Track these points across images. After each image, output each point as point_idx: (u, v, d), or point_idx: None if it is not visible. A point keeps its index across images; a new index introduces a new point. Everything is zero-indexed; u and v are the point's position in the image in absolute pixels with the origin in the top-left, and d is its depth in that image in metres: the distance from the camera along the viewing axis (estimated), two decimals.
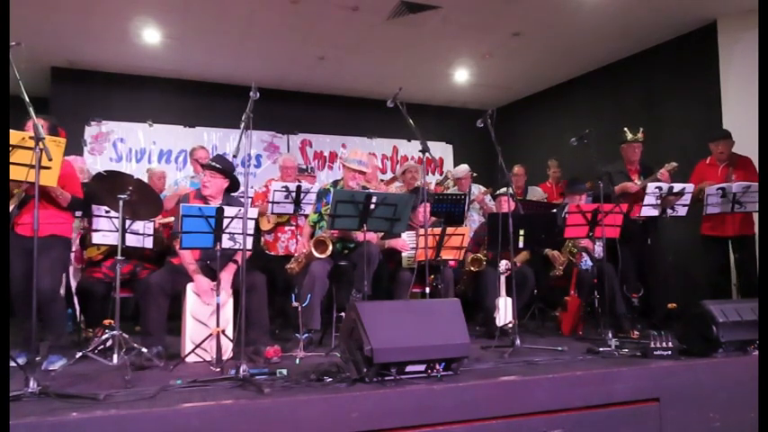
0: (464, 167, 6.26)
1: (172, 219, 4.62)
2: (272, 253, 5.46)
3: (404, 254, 4.57)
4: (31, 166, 2.82)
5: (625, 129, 5.38)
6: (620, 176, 5.32)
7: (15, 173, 2.93)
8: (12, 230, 3.47)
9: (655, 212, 4.82)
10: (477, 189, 6.23)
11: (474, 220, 6.06)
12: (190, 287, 3.81)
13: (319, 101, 8.38)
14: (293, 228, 5.46)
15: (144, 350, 3.44)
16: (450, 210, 5.31)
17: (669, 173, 5.09)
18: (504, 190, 4.95)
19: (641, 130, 5.35)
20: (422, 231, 4.02)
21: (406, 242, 4.54)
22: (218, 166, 3.97)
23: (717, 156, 5.24)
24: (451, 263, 4.66)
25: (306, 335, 3.91)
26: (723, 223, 5.09)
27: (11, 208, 3.44)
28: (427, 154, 3.88)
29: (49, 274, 3.48)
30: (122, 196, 3.48)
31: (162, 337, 3.75)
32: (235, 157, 3.27)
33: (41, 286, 3.43)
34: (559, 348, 3.78)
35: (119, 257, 3.49)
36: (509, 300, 4.17)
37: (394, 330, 2.80)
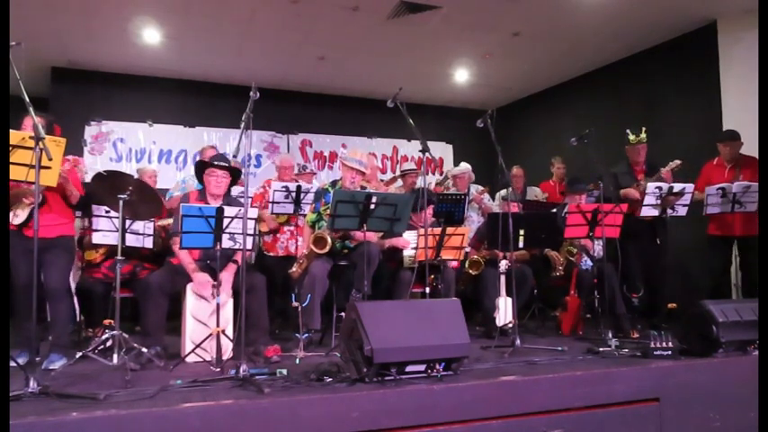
0: (463, 166, 6.26)
1: (170, 221, 4.62)
2: (272, 254, 5.45)
3: (405, 253, 4.57)
4: (31, 166, 2.82)
5: (627, 131, 5.36)
6: (626, 177, 5.30)
7: (15, 173, 2.93)
8: (20, 234, 3.48)
9: (655, 212, 4.81)
10: (474, 189, 6.23)
11: (473, 220, 6.06)
12: (190, 287, 3.81)
13: (319, 101, 8.38)
14: (292, 228, 5.45)
15: (144, 350, 3.44)
16: (450, 210, 5.31)
17: (672, 171, 5.06)
18: (505, 191, 4.95)
19: (644, 129, 5.32)
20: (422, 231, 4.02)
21: (408, 241, 4.53)
22: (227, 165, 3.96)
23: (724, 156, 5.23)
24: (454, 264, 4.66)
25: (306, 335, 3.91)
26: (730, 223, 5.07)
27: (22, 216, 3.46)
28: (427, 154, 3.88)
29: (60, 273, 3.61)
30: (122, 196, 3.48)
31: (161, 337, 3.75)
32: (235, 156, 3.27)
33: (54, 284, 3.54)
34: (559, 348, 3.78)
35: (119, 257, 3.49)
36: (509, 300, 4.17)
37: (394, 330, 2.80)
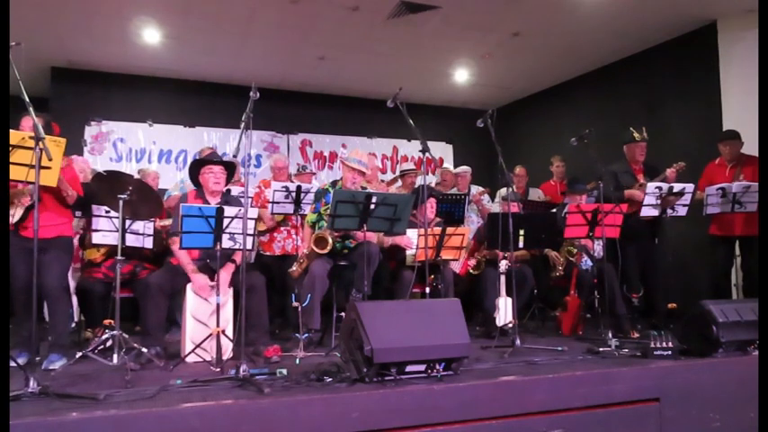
0: (462, 167, 6.27)
1: (170, 221, 4.63)
2: (268, 253, 5.44)
3: (408, 252, 4.57)
4: (31, 166, 2.82)
5: (631, 129, 5.36)
6: (626, 176, 5.30)
7: (15, 173, 2.93)
8: (16, 234, 3.48)
9: (655, 212, 4.81)
10: (475, 189, 6.23)
11: (473, 220, 6.06)
12: (189, 287, 3.81)
13: (319, 101, 8.38)
14: (289, 228, 5.44)
15: (144, 350, 3.44)
16: (450, 210, 5.31)
17: (676, 172, 5.07)
18: (505, 190, 4.95)
19: (644, 129, 5.34)
20: (422, 231, 4.01)
21: (411, 240, 4.53)
22: (224, 160, 3.98)
23: (725, 156, 5.23)
24: (461, 270, 4.64)
25: (306, 335, 3.91)
26: (731, 223, 5.06)
27: (18, 214, 3.45)
28: (427, 154, 3.88)
29: (57, 273, 3.59)
30: (122, 196, 3.48)
31: (161, 337, 3.75)
32: (235, 156, 3.27)
33: (52, 284, 3.52)
34: (559, 348, 3.78)
35: (119, 257, 3.49)
36: (509, 300, 4.17)
37: (394, 330, 2.80)
